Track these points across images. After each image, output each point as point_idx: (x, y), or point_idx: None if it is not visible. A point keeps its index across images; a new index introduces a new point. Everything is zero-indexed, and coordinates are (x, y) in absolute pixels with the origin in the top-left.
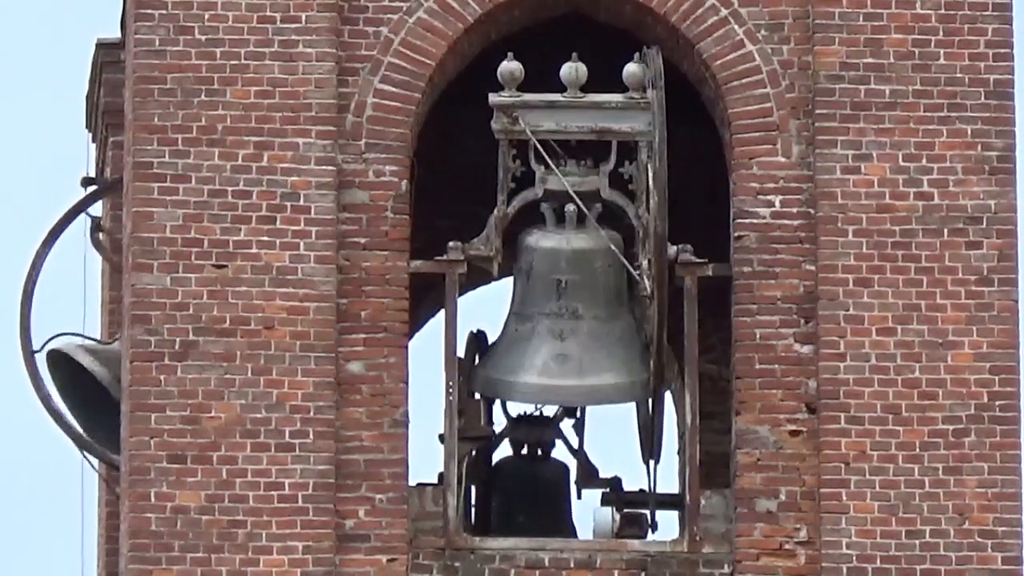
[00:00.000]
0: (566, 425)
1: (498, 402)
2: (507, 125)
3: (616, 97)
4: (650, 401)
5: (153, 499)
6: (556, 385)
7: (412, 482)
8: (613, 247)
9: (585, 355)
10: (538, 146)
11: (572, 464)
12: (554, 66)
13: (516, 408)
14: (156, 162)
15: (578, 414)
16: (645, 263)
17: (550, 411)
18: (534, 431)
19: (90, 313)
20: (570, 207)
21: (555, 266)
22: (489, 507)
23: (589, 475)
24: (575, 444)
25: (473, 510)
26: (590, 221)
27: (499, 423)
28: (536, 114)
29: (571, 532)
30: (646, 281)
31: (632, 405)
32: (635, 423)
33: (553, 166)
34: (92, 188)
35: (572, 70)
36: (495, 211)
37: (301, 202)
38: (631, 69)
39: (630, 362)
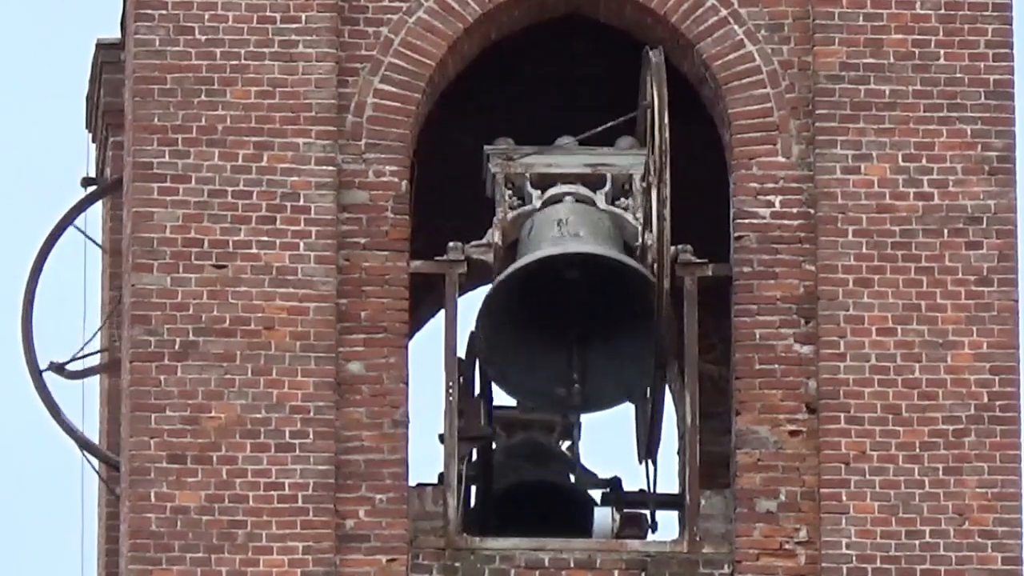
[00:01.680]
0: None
1: (496, 403)
2: (503, 167)
3: (608, 148)
4: (649, 399)
5: (153, 499)
6: (565, 251)
7: (412, 482)
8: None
9: (587, 233)
10: (531, 181)
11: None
12: (554, 66)
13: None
14: (156, 162)
15: (574, 419)
16: (648, 260)
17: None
18: (529, 439)
19: (90, 313)
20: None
21: (555, 211)
22: (489, 507)
23: (589, 475)
24: (568, 449)
25: (472, 509)
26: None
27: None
28: (531, 158)
29: (585, 528)
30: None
31: (631, 407)
32: (634, 424)
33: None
34: (92, 188)
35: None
36: (496, 212)
37: (301, 202)
38: (623, 144)
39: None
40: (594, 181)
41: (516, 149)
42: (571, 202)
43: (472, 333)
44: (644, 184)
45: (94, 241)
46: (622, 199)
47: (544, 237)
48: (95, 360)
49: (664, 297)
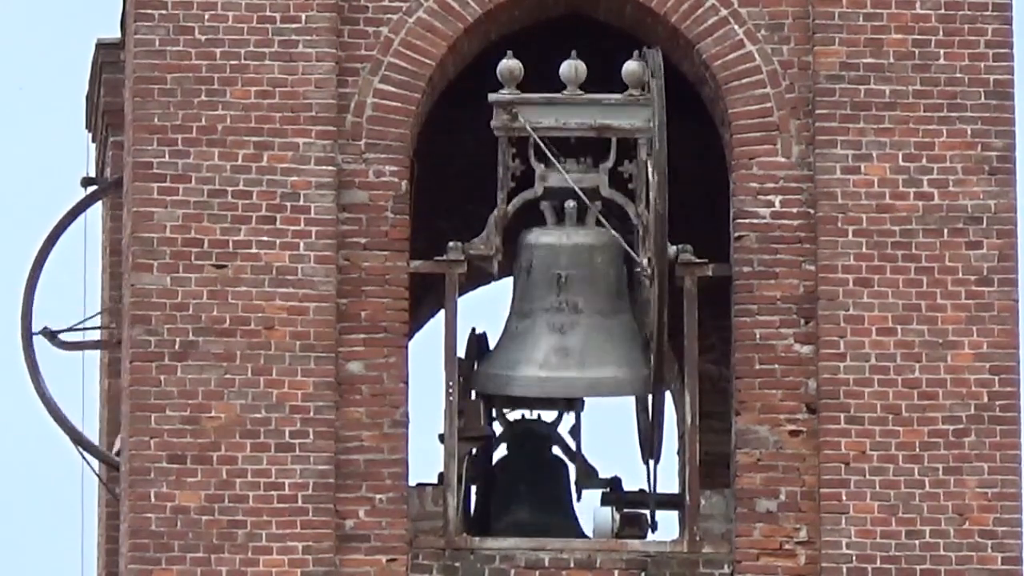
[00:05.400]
0: (562, 428)
1: (495, 409)
2: (507, 122)
3: (615, 96)
4: (650, 400)
5: (153, 499)
6: (557, 377)
7: (412, 482)
8: (616, 235)
9: (586, 348)
10: (538, 141)
11: (571, 467)
12: (554, 66)
13: (513, 414)
14: (156, 162)
15: (575, 419)
16: (645, 261)
17: (549, 416)
18: (531, 438)
19: (90, 313)
20: (570, 203)
21: (555, 261)
22: (489, 507)
23: (589, 475)
24: (572, 446)
25: (473, 509)
26: (590, 216)
27: (497, 428)
28: (535, 111)
29: (575, 527)
30: (646, 280)
31: (632, 406)
32: (635, 423)
33: (554, 159)
34: (92, 188)
35: (572, 68)
36: (495, 210)
37: (301, 202)
38: (630, 67)
39: (631, 357)
40: (596, 148)
41: (522, 98)
42: (571, 229)
43: (472, 333)
44: (646, 156)
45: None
46: (625, 162)
47: (538, 314)
48: (94, 335)
49: (662, 263)
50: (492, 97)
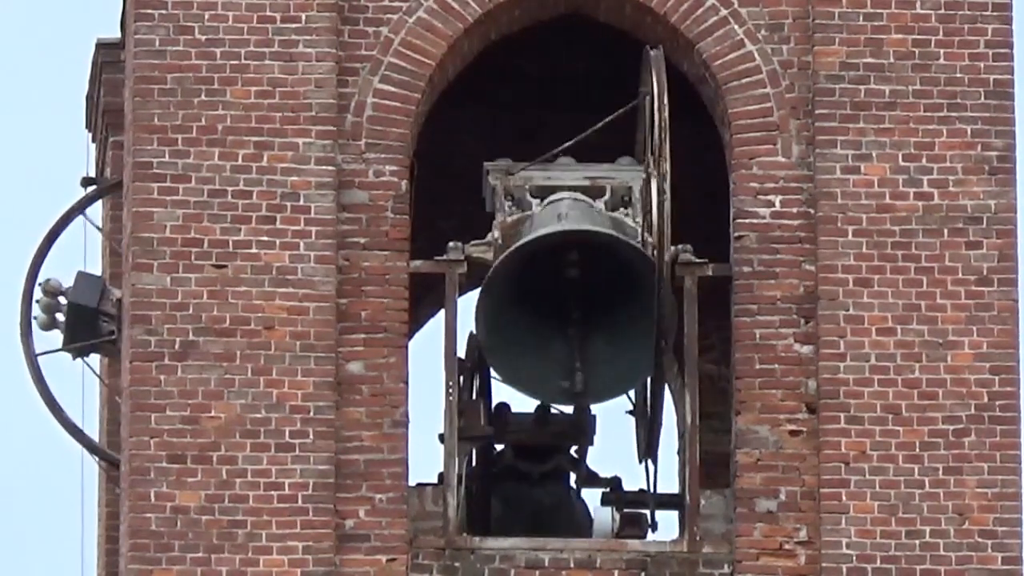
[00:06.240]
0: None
1: (497, 406)
2: (503, 180)
3: (606, 164)
4: (648, 400)
5: (153, 499)
6: (565, 229)
7: (412, 482)
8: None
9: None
10: (531, 194)
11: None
12: (554, 66)
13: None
14: (156, 162)
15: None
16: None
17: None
18: (536, 460)
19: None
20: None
21: (555, 208)
22: (489, 507)
23: (589, 475)
24: (578, 468)
25: (473, 510)
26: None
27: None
28: (531, 171)
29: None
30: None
31: (632, 406)
32: (634, 423)
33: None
34: (92, 188)
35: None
36: (496, 217)
37: (301, 202)
38: (623, 162)
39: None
40: (594, 191)
41: (515, 165)
42: (571, 200)
43: (472, 333)
44: (645, 171)
45: (96, 226)
46: (622, 208)
47: (544, 225)
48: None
49: (663, 271)
50: (488, 166)
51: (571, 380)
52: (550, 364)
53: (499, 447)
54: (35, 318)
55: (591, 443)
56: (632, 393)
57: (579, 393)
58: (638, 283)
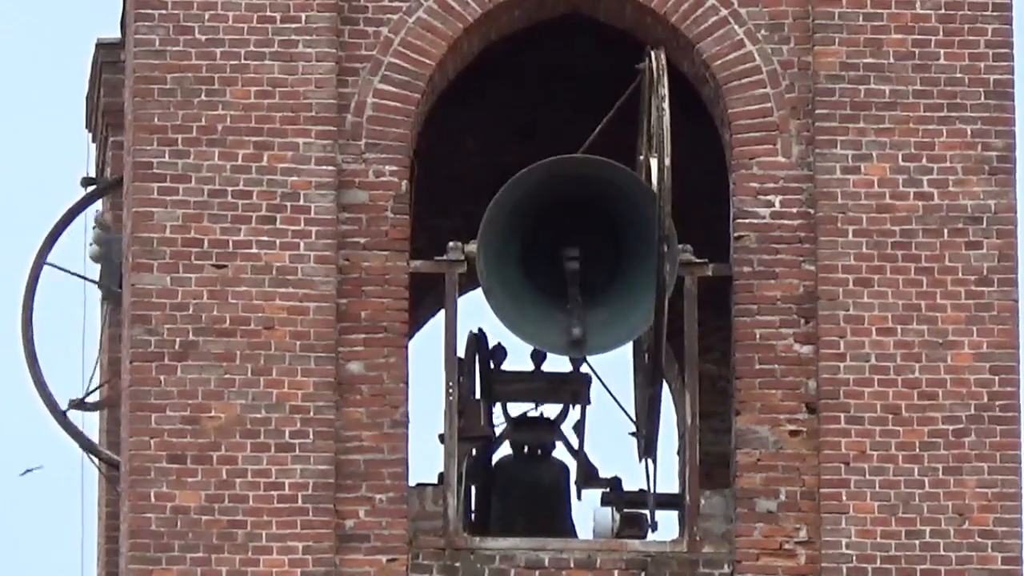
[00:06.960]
0: (566, 427)
1: (498, 405)
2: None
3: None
4: (648, 400)
5: (153, 499)
6: (568, 156)
7: (412, 482)
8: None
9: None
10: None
11: (572, 465)
12: (554, 66)
13: (516, 408)
14: (156, 162)
15: (579, 414)
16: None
17: (552, 411)
18: (534, 432)
19: (90, 313)
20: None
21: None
22: (489, 507)
23: (589, 475)
24: (575, 445)
25: (473, 510)
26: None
27: (499, 423)
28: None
29: (571, 533)
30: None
31: (632, 406)
32: (634, 423)
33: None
34: (92, 188)
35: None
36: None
37: (301, 202)
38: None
39: None
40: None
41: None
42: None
43: (471, 333)
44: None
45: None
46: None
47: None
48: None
49: (665, 217)
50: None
51: (569, 330)
52: (549, 311)
53: (498, 430)
54: (90, 244)
55: (588, 402)
56: (633, 398)
57: (577, 341)
58: (638, 232)
